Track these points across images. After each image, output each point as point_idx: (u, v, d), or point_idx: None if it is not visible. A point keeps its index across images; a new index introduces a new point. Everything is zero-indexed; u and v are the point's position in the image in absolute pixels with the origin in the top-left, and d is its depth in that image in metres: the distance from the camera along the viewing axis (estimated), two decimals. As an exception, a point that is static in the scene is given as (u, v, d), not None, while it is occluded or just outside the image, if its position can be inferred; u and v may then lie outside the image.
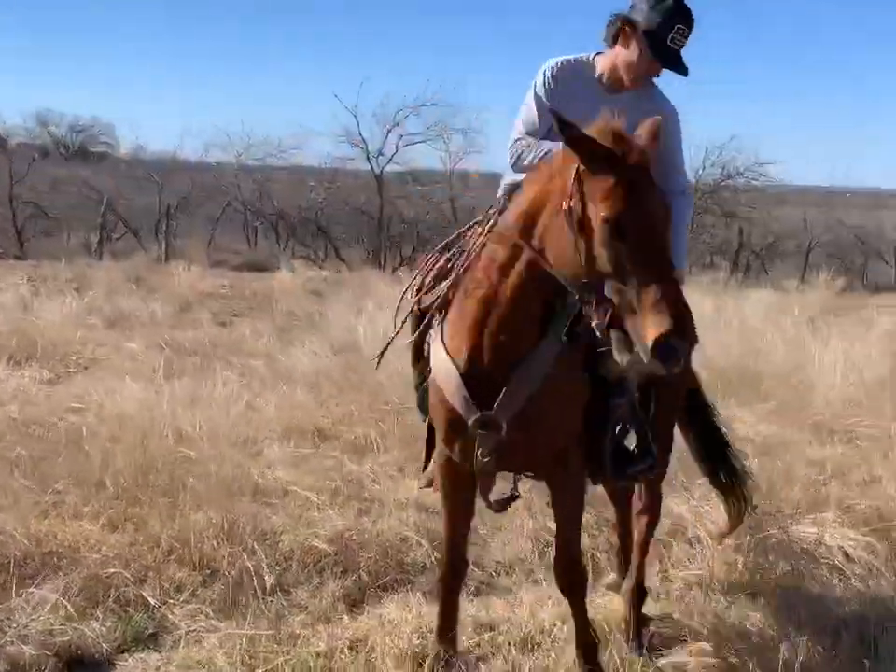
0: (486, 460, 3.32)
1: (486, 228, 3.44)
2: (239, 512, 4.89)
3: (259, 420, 6.84)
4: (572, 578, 3.60)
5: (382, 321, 10.85)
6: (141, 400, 6.50)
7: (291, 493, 5.50)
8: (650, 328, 2.69)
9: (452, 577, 3.69)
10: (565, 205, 2.92)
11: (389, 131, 27.24)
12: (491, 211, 3.54)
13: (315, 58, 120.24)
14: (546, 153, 3.42)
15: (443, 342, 3.36)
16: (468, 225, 3.73)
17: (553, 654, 3.80)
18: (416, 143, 27.92)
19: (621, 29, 3.49)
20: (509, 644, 3.89)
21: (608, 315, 2.85)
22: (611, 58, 3.57)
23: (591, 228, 2.85)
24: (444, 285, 3.47)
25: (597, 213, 2.83)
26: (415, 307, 3.65)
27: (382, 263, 24.79)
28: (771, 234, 29.76)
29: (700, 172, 28.60)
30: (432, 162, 30.49)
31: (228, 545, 4.55)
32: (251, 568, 4.30)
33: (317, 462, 6.21)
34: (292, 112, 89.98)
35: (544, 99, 3.53)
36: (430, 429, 3.74)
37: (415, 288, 3.69)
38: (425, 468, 3.92)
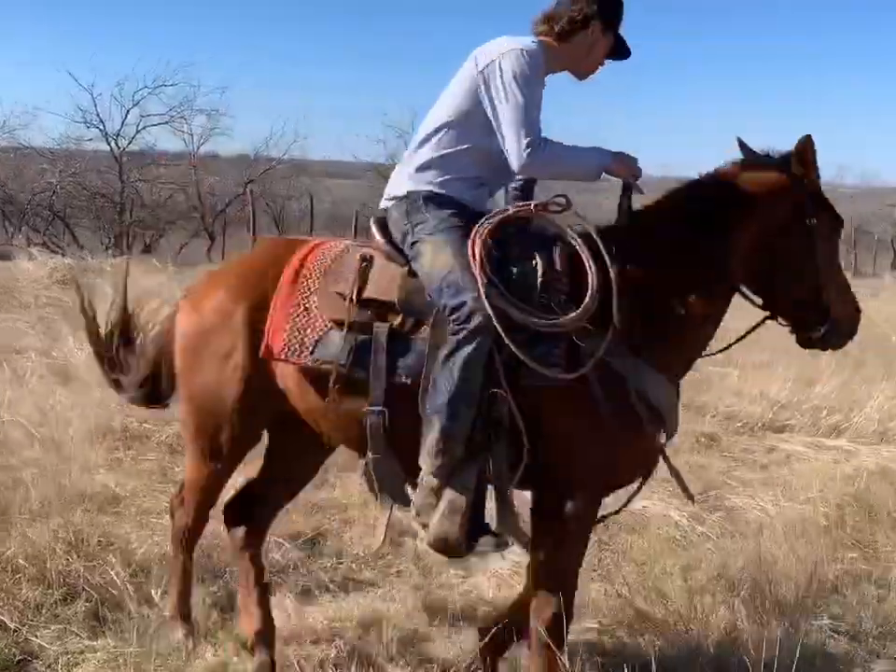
0: None
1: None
2: (80, 523, 4.62)
3: (58, 422, 6.45)
4: None
5: (162, 311, 10.50)
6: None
7: (123, 498, 5.25)
8: (855, 312, 3.41)
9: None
10: (809, 222, 3.28)
11: (128, 111, 26.22)
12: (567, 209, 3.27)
13: (45, 34, 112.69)
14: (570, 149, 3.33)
15: (645, 360, 3.19)
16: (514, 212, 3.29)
17: (443, 644, 3.88)
18: (158, 124, 27.03)
19: (591, 21, 3.39)
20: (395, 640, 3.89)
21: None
22: (566, 47, 3.43)
23: (819, 239, 3.29)
24: (591, 302, 3.11)
25: (825, 223, 3.32)
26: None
27: (126, 249, 23.77)
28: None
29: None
30: (175, 144, 29.66)
31: (82, 559, 4.29)
32: (117, 581, 4.09)
33: (136, 465, 5.96)
34: (19, 91, 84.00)
35: (534, 84, 3.31)
36: None
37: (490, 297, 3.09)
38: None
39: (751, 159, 3.39)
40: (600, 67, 3.54)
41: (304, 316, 3.38)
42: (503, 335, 3.04)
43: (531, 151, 3.20)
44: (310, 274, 3.44)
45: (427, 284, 3.24)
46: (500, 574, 4.52)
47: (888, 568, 4.80)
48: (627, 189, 3.36)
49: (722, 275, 3.31)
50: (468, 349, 3.07)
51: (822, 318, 3.33)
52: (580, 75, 3.55)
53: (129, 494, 5.33)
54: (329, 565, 4.68)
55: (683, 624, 3.99)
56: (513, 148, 3.22)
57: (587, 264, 3.16)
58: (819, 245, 3.29)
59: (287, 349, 3.36)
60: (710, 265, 3.28)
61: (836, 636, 4.10)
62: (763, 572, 4.37)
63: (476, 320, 3.06)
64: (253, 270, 3.65)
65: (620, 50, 3.50)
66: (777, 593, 4.24)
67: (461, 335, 3.08)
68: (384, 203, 3.53)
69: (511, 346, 3.04)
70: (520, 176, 3.46)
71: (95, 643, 3.77)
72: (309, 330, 3.36)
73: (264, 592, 3.75)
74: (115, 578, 4.12)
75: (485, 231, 3.20)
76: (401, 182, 3.46)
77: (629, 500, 3.52)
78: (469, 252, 3.15)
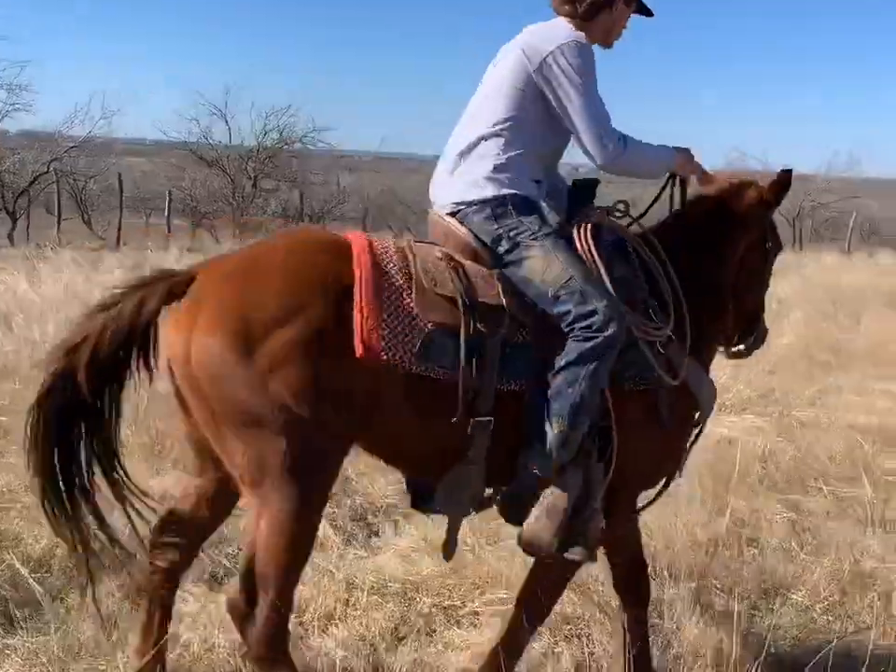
0: None
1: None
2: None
3: None
4: None
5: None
6: None
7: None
8: (765, 329, 3.88)
9: None
10: (767, 245, 3.75)
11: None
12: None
13: None
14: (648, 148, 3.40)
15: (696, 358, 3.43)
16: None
17: (362, 621, 4.01)
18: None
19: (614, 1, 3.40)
20: (317, 620, 4.01)
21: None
22: (589, 26, 3.39)
23: (771, 259, 3.80)
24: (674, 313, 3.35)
25: (775, 246, 3.79)
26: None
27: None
28: (333, 199, 30.92)
29: (260, 137, 29.75)
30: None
31: (-21, 558, 4.17)
32: (26, 577, 3.99)
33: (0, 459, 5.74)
34: None
35: (595, 77, 3.32)
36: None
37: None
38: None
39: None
40: (624, 30, 3.55)
41: (397, 317, 3.01)
42: (643, 343, 3.21)
43: (614, 148, 3.25)
44: (388, 271, 3.06)
45: (533, 290, 3.18)
46: (402, 552, 4.66)
47: (755, 529, 5.21)
48: (682, 184, 3.62)
49: (727, 278, 3.64)
50: (600, 357, 3.06)
51: (752, 330, 3.82)
52: (607, 45, 3.53)
53: (3, 490, 5.17)
54: (230, 551, 4.68)
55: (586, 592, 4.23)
56: (596, 146, 3.25)
57: (658, 273, 3.38)
58: (768, 267, 3.80)
59: (390, 351, 2.96)
60: (723, 266, 3.62)
61: (721, 594, 4.42)
62: (647, 538, 4.65)
63: (612, 328, 3.06)
64: (308, 269, 3.03)
65: (643, 9, 3.53)
66: (664, 557, 4.54)
67: (592, 343, 3.06)
68: (449, 208, 3.37)
69: (647, 354, 3.21)
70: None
71: (13, 641, 3.70)
72: (409, 332, 3.00)
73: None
74: (23, 573, 4.02)
75: (588, 236, 3.27)
76: (473, 184, 3.31)
77: (655, 498, 3.66)
78: (590, 260, 3.23)
